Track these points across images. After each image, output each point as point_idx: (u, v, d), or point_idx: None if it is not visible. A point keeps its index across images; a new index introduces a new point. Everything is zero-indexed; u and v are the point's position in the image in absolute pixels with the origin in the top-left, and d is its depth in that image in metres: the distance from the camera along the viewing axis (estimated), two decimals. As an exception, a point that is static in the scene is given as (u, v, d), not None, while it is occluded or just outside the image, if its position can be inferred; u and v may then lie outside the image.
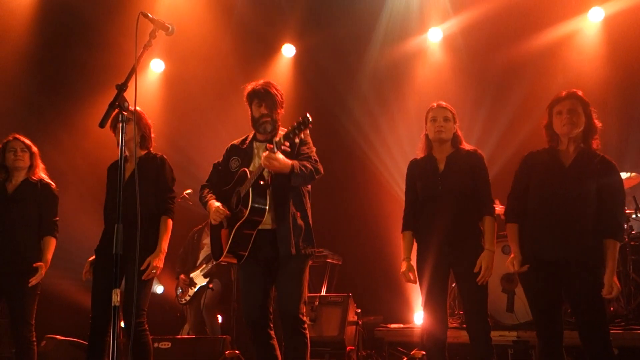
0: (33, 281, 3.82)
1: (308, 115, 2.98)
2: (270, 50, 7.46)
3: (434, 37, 7.04)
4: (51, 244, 3.99)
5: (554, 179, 3.21)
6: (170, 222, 3.78)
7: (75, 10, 6.72)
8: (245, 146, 3.51)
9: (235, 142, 3.61)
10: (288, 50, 7.44)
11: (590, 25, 6.46)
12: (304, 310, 3.31)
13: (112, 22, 6.63)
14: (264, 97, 3.39)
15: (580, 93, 3.29)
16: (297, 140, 3.02)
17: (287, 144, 3.05)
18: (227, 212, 3.35)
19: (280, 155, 3.08)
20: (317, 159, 3.37)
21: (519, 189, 3.36)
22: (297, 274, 3.30)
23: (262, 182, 3.21)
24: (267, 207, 3.20)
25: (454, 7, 6.75)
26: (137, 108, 2.60)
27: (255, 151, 3.46)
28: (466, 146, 3.59)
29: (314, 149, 3.42)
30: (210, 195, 3.51)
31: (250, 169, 3.32)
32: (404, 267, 3.52)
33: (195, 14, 6.86)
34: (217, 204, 3.39)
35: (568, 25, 6.48)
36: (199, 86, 7.22)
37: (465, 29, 6.70)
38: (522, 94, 6.28)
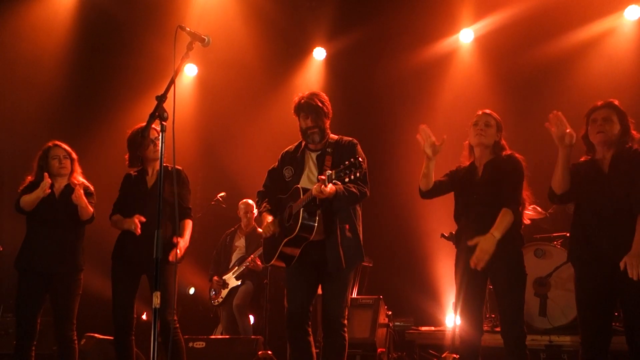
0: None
1: (360, 159, 3.06)
2: (301, 53, 7.53)
3: (466, 38, 7.00)
4: None
5: (596, 187, 3.18)
6: (190, 222, 4.03)
7: (112, 18, 6.91)
8: (298, 154, 3.61)
9: (289, 148, 3.71)
10: (319, 54, 7.50)
11: (627, 23, 6.34)
12: (346, 314, 3.42)
13: (149, 28, 6.80)
14: (308, 109, 3.49)
15: (616, 102, 3.26)
16: (346, 180, 3.11)
17: (339, 181, 3.15)
18: (276, 229, 3.50)
19: (329, 186, 3.18)
20: (367, 180, 3.45)
21: None
22: (345, 283, 3.44)
23: (313, 204, 3.31)
24: (316, 227, 3.31)
25: (485, 8, 6.70)
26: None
27: (306, 165, 3.56)
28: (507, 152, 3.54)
29: (365, 170, 3.45)
30: (265, 206, 3.64)
31: (302, 184, 3.43)
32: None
33: (227, 20, 6.97)
34: (270, 218, 3.53)
35: (603, 23, 6.37)
36: (231, 90, 7.33)
37: (496, 30, 6.63)
38: (556, 95, 6.19)
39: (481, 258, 3.19)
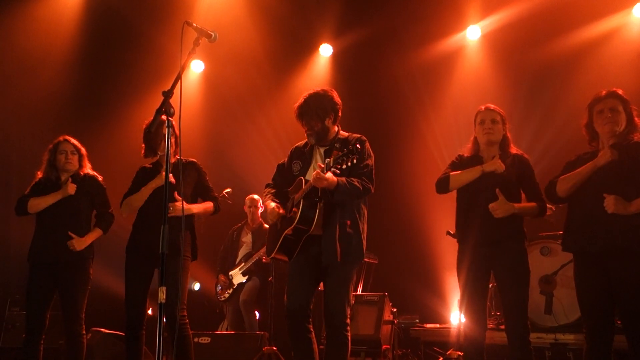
0: (75, 246, 3.99)
1: (358, 145, 3.07)
2: (307, 50, 7.53)
3: (473, 35, 6.98)
4: (96, 232, 4.16)
5: (591, 177, 3.19)
6: (211, 204, 4.11)
7: (119, 14, 6.92)
8: (307, 149, 3.61)
9: (299, 144, 3.71)
10: (325, 50, 7.49)
11: (635, 20, 6.31)
12: (348, 313, 3.39)
13: (156, 24, 6.82)
14: (302, 114, 3.47)
15: (620, 91, 3.26)
16: (344, 166, 3.11)
17: (338, 166, 3.14)
18: (282, 211, 3.48)
19: (328, 174, 3.16)
20: (372, 177, 3.43)
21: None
22: (344, 279, 3.37)
23: (313, 195, 3.30)
24: (316, 218, 3.29)
25: (492, 5, 6.68)
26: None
27: (314, 159, 3.55)
28: (514, 149, 3.56)
29: (372, 167, 3.45)
30: (268, 195, 3.64)
31: (307, 177, 3.42)
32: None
33: (234, 16, 6.97)
34: (273, 204, 3.52)
35: (612, 21, 6.34)
36: (237, 86, 7.34)
37: (503, 27, 6.61)
38: (563, 92, 6.17)
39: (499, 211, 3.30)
